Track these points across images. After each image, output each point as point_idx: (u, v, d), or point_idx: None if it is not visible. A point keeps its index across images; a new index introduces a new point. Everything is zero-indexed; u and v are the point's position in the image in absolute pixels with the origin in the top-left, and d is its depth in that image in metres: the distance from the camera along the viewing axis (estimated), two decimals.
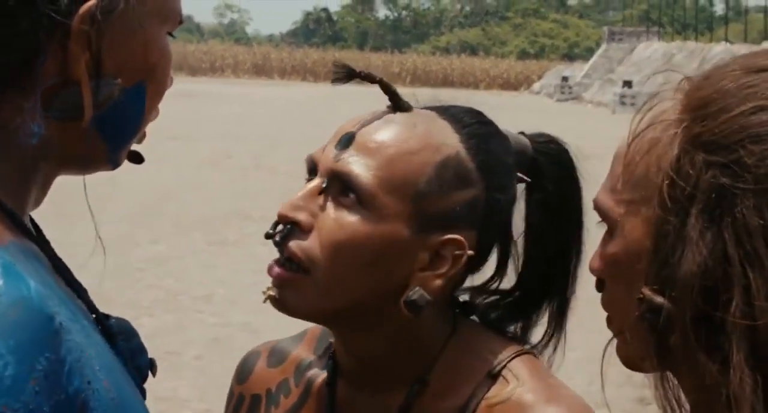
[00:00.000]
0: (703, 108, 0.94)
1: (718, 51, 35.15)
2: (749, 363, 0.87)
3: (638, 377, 1.03)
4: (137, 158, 1.09)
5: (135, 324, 1.09)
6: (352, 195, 1.25)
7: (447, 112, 1.32)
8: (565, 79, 49.43)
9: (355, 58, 62.29)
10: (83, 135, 0.98)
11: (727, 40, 47.06)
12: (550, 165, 1.37)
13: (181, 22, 1.05)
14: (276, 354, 1.44)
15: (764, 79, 0.92)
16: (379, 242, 1.24)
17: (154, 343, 6.39)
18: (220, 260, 9.81)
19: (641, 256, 0.95)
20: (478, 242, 1.29)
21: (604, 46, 52.61)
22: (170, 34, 1.04)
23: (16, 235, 0.93)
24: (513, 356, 1.31)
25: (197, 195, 13.94)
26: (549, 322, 1.39)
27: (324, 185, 1.26)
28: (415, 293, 1.25)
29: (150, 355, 1.08)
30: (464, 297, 1.37)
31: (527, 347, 1.36)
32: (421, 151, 1.26)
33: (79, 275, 1.01)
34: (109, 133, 1.01)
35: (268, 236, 1.28)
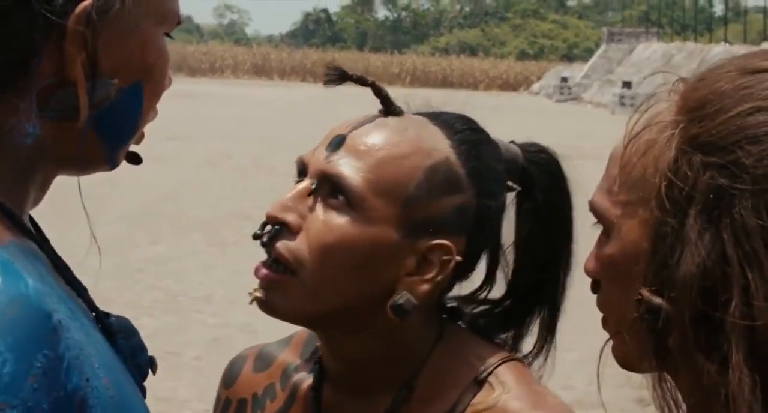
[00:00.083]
0: (700, 109, 0.94)
1: (718, 52, 35.16)
2: (748, 363, 0.87)
3: (637, 378, 1.03)
4: (135, 159, 1.09)
5: (135, 325, 1.09)
6: (341, 197, 1.24)
7: (438, 118, 1.32)
8: (564, 79, 49.45)
9: (354, 59, 62.36)
10: (80, 135, 0.98)
11: (726, 40, 47.09)
12: (540, 175, 1.37)
13: (179, 23, 1.05)
14: (262, 359, 1.44)
15: (760, 80, 0.92)
16: (368, 245, 1.24)
17: (154, 343, 6.38)
18: (220, 261, 9.81)
19: (639, 257, 0.95)
20: (467, 248, 1.28)
21: (603, 47, 52.65)
22: (168, 34, 1.04)
23: (16, 234, 0.94)
24: (500, 362, 1.30)
25: (197, 196, 13.94)
26: (539, 331, 1.38)
27: (313, 187, 1.26)
28: (402, 297, 1.25)
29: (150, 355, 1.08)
30: (452, 303, 1.37)
31: (516, 353, 1.36)
32: (411, 155, 1.26)
33: (78, 275, 1.01)
34: (107, 133, 1.01)
35: (255, 236, 1.27)
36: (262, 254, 1.28)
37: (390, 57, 69.22)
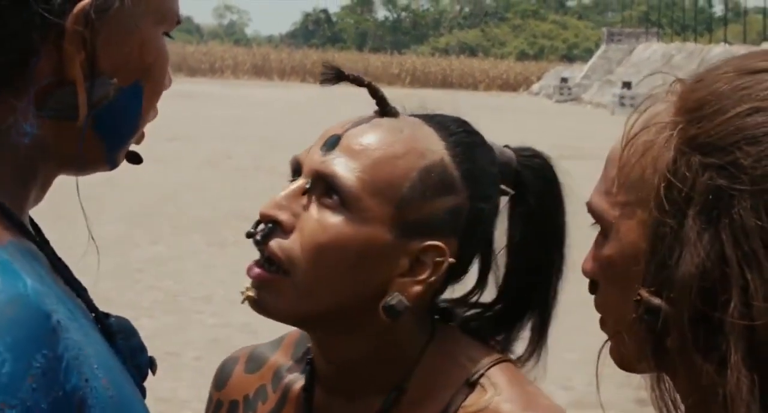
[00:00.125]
0: (698, 110, 0.94)
1: (718, 52, 35.17)
2: (746, 364, 0.87)
3: (636, 378, 1.03)
4: (136, 159, 1.08)
5: (134, 325, 1.09)
6: (335, 197, 1.24)
7: (433, 119, 1.32)
8: (564, 80, 49.47)
9: (354, 59, 62.35)
10: (79, 135, 0.98)
11: (726, 41, 47.10)
12: (534, 179, 1.37)
13: (179, 23, 1.05)
14: (254, 360, 1.43)
15: (758, 80, 0.93)
16: (361, 245, 1.23)
17: (154, 344, 6.38)
18: (220, 261, 9.81)
19: (637, 258, 0.95)
20: (460, 250, 1.28)
21: (603, 48, 52.66)
22: (168, 34, 1.04)
23: (15, 235, 0.94)
24: (492, 364, 1.30)
25: (197, 196, 13.95)
26: (531, 336, 1.38)
27: (308, 186, 1.26)
28: (394, 298, 1.24)
29: (150, 355, 1.08)
30: (444, 305, 1.37)
31: (508, 354, 1.35)
32: (406, 155, 1.26)
33: (78, 275, 1.01)
34: (106, 133, 1.01)
35: (249, 235, 1.27)
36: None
37: (390, 57, 69.23)
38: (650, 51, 46.93)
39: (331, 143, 1.27)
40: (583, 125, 28.30)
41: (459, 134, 1.31)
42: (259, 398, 1.40)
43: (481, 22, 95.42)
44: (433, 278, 1.26)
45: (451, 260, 1.26)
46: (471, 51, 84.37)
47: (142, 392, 1.03)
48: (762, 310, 0.87)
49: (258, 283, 1.26)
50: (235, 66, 63.72)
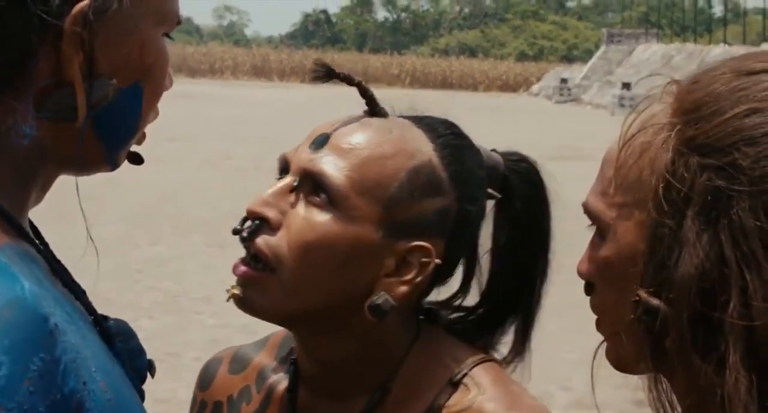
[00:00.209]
0: (696, 111, 0.94)
1: (717, 53, 35.16)
2: (745, 364, 0.87)
3: (634, 379, 1.03)
4: (137, 159, 1.08)
5: (134, 326, 1.09)
6: (323, 195, 1.24)
7: (422, 121, 1.32)
8: (564, 81, 49.45)
9: (354, 60, 62.36)
10: (78, 136, 0.98)
11: (725, 42, 47.09)
12: (520, 183, 1.37)
13: (179, 23, 1.05)
14: (238, 361, 1.43)
15: (755, 81, 0.93)
16: (348, 244, 1.23)
17: (154, 344, 6.39)
18: (220, 262, 9.80)
19: (635, 259, 0.95)
20: (446, 251, 1.28)
21: (602, 48, 52.66)
22: (168, 35, 1.04)
23: (13, 237, 0.93)
24: (476, 363, 1.30)
25: (197, 196, 13.95)
26: (514, 339, 1.38)
27: (295, 184, 1.26)
28: (380, 297, 1.24)
29: (149, 357, 1.08)
30: (429, 306, 1.37)
31: (492, 353, 1.36)
32: (395, 155, 1.26)
33: (77, 276, 1.01)
34: (106, 134, 1.01)
35: (235, 231, 1.26)
36: None
37: (389, 58, 69.21)
38: (650, 52, 46.93)
39: (320, 142, 1.27)
40: (582, 125, 28.29)
41: (447, 136, 1.31)
42: (243, 399, 1.40)
43: (480, 23, 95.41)
44: (419, 279, 1.26)
45: (437, 261, 1.26)
46: (471, 52, 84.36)
47: (141, 395, 1.03)
48: (761, 310, 0.87)
49: (244, 281, 1.25)
50: (235, 67, 63.71)
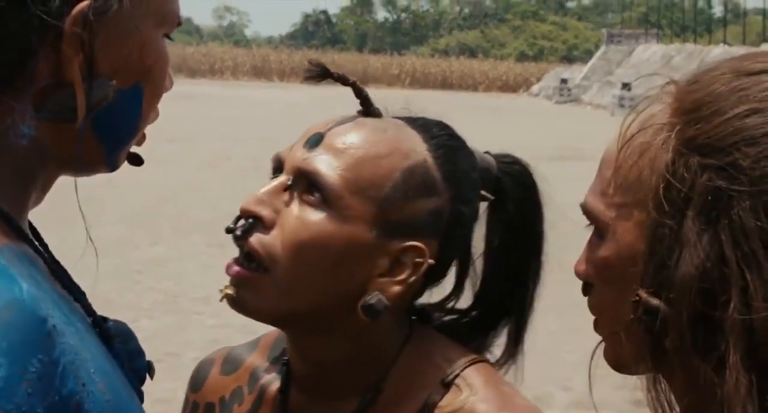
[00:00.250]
0: (696, 111, 0.94)
1: (717, 53, 35.16)
2: (745, 364, 0.87)
3: (633, 380, 1.03)
4: (137, 160, 1.08)
5: (134, 326, 1.09)
6: (317, 194, 1.24)
7: (416, 122, 1.32)
8: (563, 81, 49.45)
9: (354, 60, 62.37)
10: (78, 137, 0.98)
11: (725, 42, 47.11)
12: (513, 186, 1.37)
13: (179, 24, 1.05)
14: (230, 362, 1.43)
15: (755, 82, 0.93)
16: (342, 243, 1.23)
17: (154, 345, 6.39)
18: (220, 262, 9.72)
19: (635, 259, 0.95)
20: (440, 252, 1.28)
21: (602, 49, 52.67)
22: (168, 36, 1.04)
23: (12, 238, 0.93)
24: (468, 364, 1.30)
25: (197, 197, 13.95)
26: (507, 341, 1.38)
27: (289, 183, 1.25)
28: (374, 297, 1.24)
29: (149, 357, 1.08)
30: (422, 306, 1.37)
31: (485, 353, 1.36)
32: (389, 155, 1.26)
33: (77, 277, 1.01)
34: (105, 135, 1.01)
35: (228, 230, 1.26)
36: None
37: (389, 58, 69.20)
38: (650, 52, 46.94)
39: (314, 141, 1.27)
40: (582, 126, 28.29)
41: (441, 137, 1.31)
42: (235, 400, 1.39)
43: (480, 23, 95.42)
44: (412, 279, 1.26)
45: (430, 261, 1.26)
46: (471, 52, 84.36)
47: (140, 396, 1.02)
48: (761, 311, 0.87)
49: (237, 281, 1.25)
50: (235, 67, 63.73)
